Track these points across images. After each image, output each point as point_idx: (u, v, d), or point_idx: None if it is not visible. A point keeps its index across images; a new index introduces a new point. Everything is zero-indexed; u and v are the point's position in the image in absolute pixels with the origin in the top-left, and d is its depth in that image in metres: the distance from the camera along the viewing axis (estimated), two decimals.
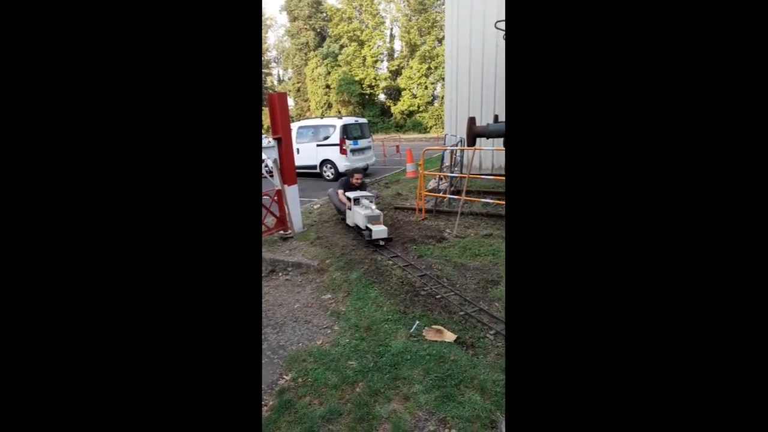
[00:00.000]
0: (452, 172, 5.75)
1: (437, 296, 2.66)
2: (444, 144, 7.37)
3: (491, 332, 2.21)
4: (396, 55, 28.38)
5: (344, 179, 4.75)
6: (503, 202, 4.67)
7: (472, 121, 5.46)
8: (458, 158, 6.05)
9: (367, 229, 3.84)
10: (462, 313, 2.43)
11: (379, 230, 3.75)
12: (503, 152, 6.00)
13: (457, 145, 5.97)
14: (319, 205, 5.83)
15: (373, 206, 3.98)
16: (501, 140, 5.21)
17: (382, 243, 3.77)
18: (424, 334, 2.24)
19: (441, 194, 5.39)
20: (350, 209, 4.25)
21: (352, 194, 4.27)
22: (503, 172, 6.91)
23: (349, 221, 4.33)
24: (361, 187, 4.64)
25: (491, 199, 4.76)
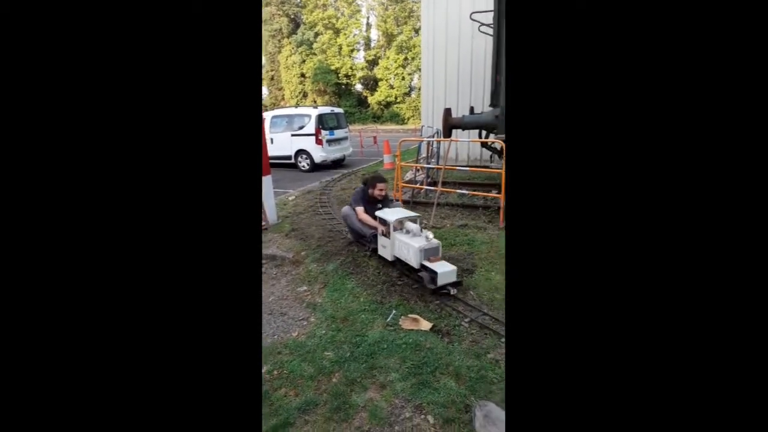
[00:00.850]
0: (429, 164, 5.78)
1: (414, 286, 2.69)
2: (421, 135, 7.40)
3: (466, 320, 2.25)
4: (373, 45, 28.04)
5: (361, 191, 3.34)
6: (479, 193, 4.75)
7: (447, 112, 5.51)
8: (435, 149, 6.09)
9: (426, 270, 2.50)
10: (438, 302, 2.47)
11: (447, 272, 2.41)
12: (478, 144, 6.09)
13: (433, 137, 6.00)
14: (294, 197, 5.73)
15: (428, 234, 2.60)
16: (476, 132, 5.27)
17: (453, 292, 2.47)
18: (400, 323, 2.26)
19: (418, 185, 5.42)
20: (385, 235, 2.88)
21: (385, 214, 2.91)
22: (479, 164, 7.02)
23: (386, 254, 2.92)
24: (385, 200, 3.33)
25: (467, 190, 4.83)
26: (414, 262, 2.57)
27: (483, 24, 5.32)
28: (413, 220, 2.84)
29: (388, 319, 2.31)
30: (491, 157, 6.05)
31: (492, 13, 4.56)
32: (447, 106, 5.36)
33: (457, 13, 7.04)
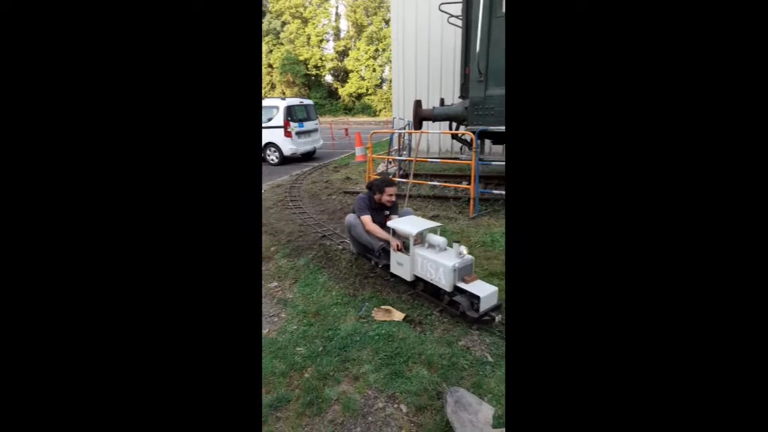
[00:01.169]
0: (401, 156, 5.79)
1: (386, 277, 2.69)
2: (393, 127, 7.38)
3: (438, 309, 2.28)
4: (342, 35, 27.57)
5: (365, 198, 2.84)
6: (450, 185, 4.81)
7: (418, 104, 5.51)
8: (406, 141, 6.10)
9: (462, 293, 2.05)
10: (411, 292, 2.49)
11: (489, 294, 1.98)
12: (449, 136, 6.15)
13: (404, 128, 6.00)
14: (263, 191, 5.57)
15: (461, 248, 2.12)
16: (447, 124, 5.32)
17: (498, 318, 2.08)
18: (373, 315, 2.26)
19: (390, 177, 5.42)
20: (401, 250, 2.41)
21: (401, 225, 2.41)
22: (450, 156, 7.10)
23: (402, 272, 2.41)
24: (393, 207, 2.87)
25: (438, 181, 4.88)
26: (446, 284, 2.07)
27: (452, 15, 5.34)
28: (435, 230, 2.34)
29: (361, 312, 2.30)
30: (461, 148, 6.14)
31: (460, 5, 4.58)
32: (417, 98, 5.36)
33: (426, 4, 7.02)
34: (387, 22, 23.83)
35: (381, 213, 2.84)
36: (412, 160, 4.82)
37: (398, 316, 2.22)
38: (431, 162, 5.45)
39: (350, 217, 2.86)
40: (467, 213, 4.12)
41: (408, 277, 2.39)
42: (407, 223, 2.44)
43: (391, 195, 2.79)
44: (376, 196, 2.83)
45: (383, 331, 2.08)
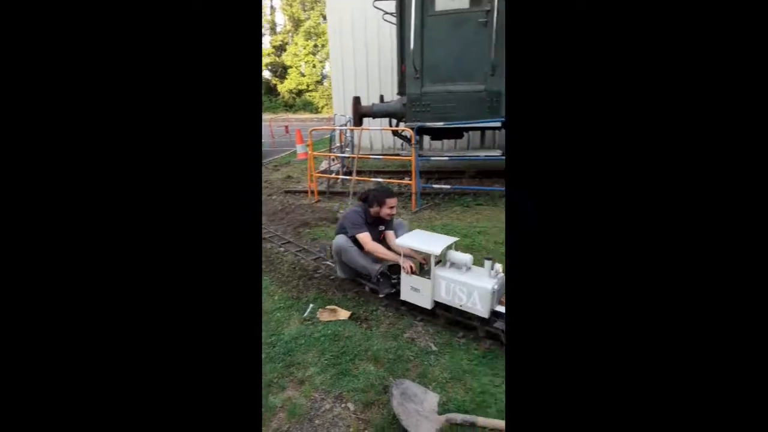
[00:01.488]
0: (343, 153, 5.74)
1: (331, 277, 2.66)
2: (334, 124, 7.28)
3: (383, 304, 2.31)
4: (279, 30, 26.59)
5: (359, 212, 2.40)
6: (394, 181, 4.88)
7: (356, 100, 5.50)
8: (349, 139, 6.06)
9: (499, 317, 1.89)
10: (356, 290, 2.48)
11: None
12: (390, 132, 6.22)
13: (346, 125, 5.95)
14: None
15: (497, 266, 1.92)
16: (387, 120, 5.37)
17: None
18: (318, 316, 2.22)
19: (333, 175, 5.35)
20: (416, 273, 2.08)
21: (415, 242, 2.06)
22: (392, 152, 7.19)
23: (419, 299, 2.06)
24: (390, 223, 2.49)
25: (382, 178, 4.92)
26: (482, 310, 1.84)
27: (386, 12, 5.38)
28: (451, 246, 2.03)
29: (305, 314, 2.25)
30: (402, 145, 6.25)
31: (394, 2, 4.63)
32: (356, 95, 5.35)
33: (361, 0, 7.00)
34: (325, 17, 23.43)
35: (376, 229, 2.43)
36: (354, 157, 4.80)
37: (344, 314, 2.20)
38: (374, 158, 5.48)
39: (340, 240, 2.37)
40: (410, 208, 4.21)
41: (427, 305, 2.03)
42: (421, 240, 2.07)
43: (392, 207, 2.37)
44: (373, 210, 2.38)
45: (329, 332, 2.05)
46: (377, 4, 5.23)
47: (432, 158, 4.81)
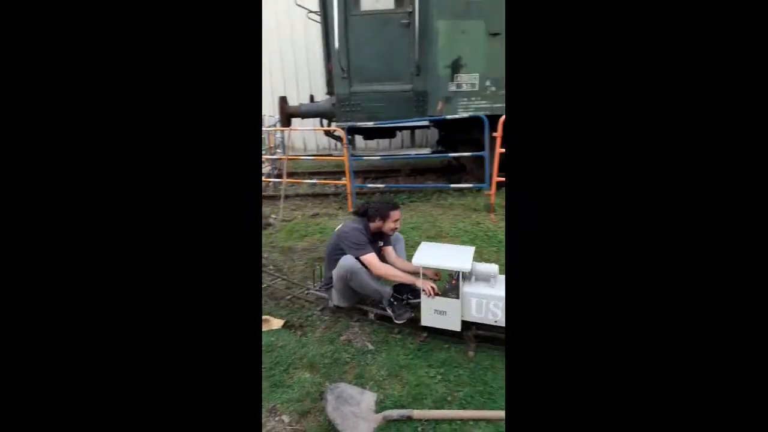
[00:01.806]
0: (274, 155, 5.51)
1: (262, 286, 2.52)
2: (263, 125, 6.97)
3: (318, 309, 2.25)
4: None
5: (360, 228, 2.07)
6: (329, 182, 4.80)
7: (283, 100, 5.31)
8: (278, 140, 5.83)
9: None
10: (289, 297, 2.39)
11: None
12: (322, 132, 6.12)
13: (275, 126, 5.72)
14: None
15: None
16: (319, 120, 5.27)
17: None
18: None
19: (264, 179, 5.11)
20: (437, 295, 1.80)
21: (436, 259, 1.84)
22: (325, 153, 7.09)
23: (446, 322, 1.82)
24: (388, 237, 2.19)
25: (317, 179, 4.81)
26: None
27: (311, 11, 5.27)
28: (467, 254, 1.82)
29: None
30: (336, 145, 6.19)
31: (317, 0, 4.54)
32: (283, 95, 5.17)
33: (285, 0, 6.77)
34: None
35: (376, 245, 2.12)
36: (284, 159, 4.64)
37: (276, 324, 2.11)
38: (305, 159, 5.35)
39: (348, 262, 1.95)
40: (346, 208, 4.18)
41: (457, 327, 1.79)
42: (440, 256, 1.84)
43: (396, 221, 2.08)
44: (374, 224, 2.08)
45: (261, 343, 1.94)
46: (300, 2, 5.11)
47: (364, 157, 4.83)
